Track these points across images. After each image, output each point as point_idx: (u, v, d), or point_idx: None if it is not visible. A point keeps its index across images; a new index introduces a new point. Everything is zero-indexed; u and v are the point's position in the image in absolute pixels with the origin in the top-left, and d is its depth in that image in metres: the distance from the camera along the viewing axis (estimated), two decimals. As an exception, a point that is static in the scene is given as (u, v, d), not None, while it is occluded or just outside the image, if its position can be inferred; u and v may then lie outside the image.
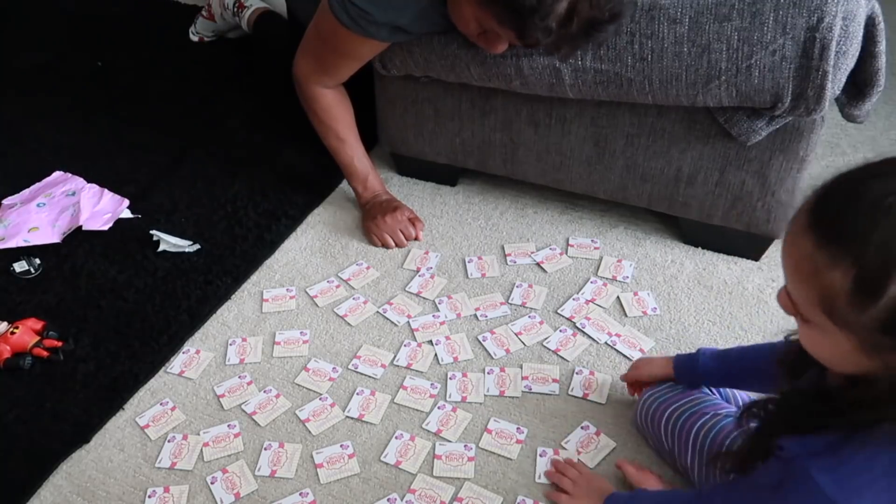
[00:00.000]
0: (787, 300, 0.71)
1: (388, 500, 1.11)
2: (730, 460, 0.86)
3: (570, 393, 1.24)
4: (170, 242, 1.50)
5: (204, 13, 2.16)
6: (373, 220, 1.54)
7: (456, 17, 1.26)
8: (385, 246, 1.53)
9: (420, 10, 1.27)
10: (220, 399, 1.26)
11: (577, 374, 1.27)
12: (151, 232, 1.50)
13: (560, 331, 1.35)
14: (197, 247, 1.50)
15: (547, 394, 1.24)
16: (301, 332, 1.37)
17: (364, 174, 1.56)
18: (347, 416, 1.22)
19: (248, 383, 1.28)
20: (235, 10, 2.05)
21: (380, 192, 1.58)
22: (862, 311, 0.63)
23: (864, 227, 0.62)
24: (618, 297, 1.41)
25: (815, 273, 0.65)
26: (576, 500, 1.06)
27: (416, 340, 1.34)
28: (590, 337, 1.34)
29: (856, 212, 0.63)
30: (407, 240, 1.53)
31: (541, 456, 1.15)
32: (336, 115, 1.51)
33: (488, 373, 1.28)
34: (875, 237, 0.61)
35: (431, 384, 1.27)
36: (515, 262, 1.50)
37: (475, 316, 1.39)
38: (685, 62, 1.22)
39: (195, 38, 2.21)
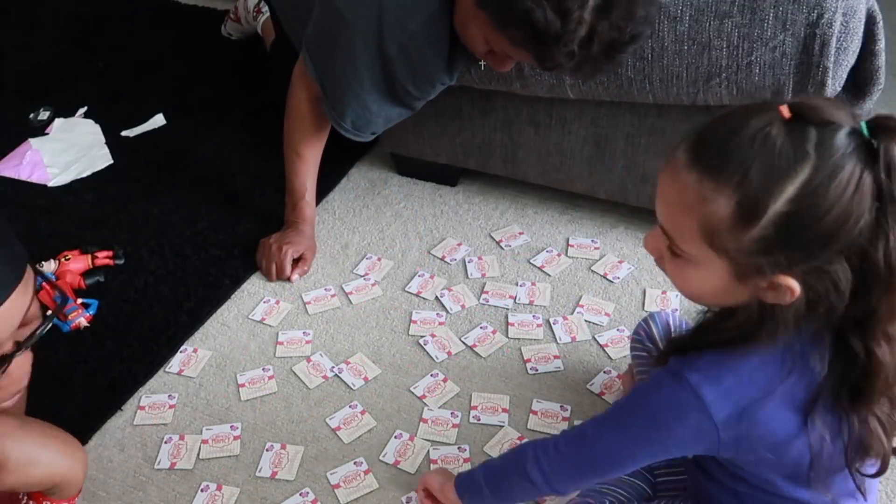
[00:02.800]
0: (658, 241, 0.79)
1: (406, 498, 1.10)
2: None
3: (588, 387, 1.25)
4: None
5: (232, 15, 2.17)
6: (267, 238, 1.50)
7: (464, 35, 1.23)
8: (258, 267, 1.50)
9: (427, 18, 1.24)
10: (224, 398, 1.26)
11: (604, 372, 1.27)
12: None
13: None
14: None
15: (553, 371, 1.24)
16: (304, 332, 1.37)
17: (300, 196, 1.50)
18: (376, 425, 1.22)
19: (252, 382, 1.28)
20: (254, 14, 2.06)
21: (300, 221, 1.51)
22: (742, 234, 0.70)
23: (745, 156, 0.69)
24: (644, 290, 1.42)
25: (700, 203, 0.71)
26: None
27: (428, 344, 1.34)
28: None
29: (737, 144, 0.70)
30: (278, 277, 1.46)
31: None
32: (306, 129, 1.45)
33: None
34: (755, 165, 0.68)
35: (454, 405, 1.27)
36: (510, 246, 1.52)
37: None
38: (685, 60, 1.22)
39: (228, 36, 2.23)
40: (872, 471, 0.81)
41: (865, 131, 0.68)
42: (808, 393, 0.77)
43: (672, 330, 1.13)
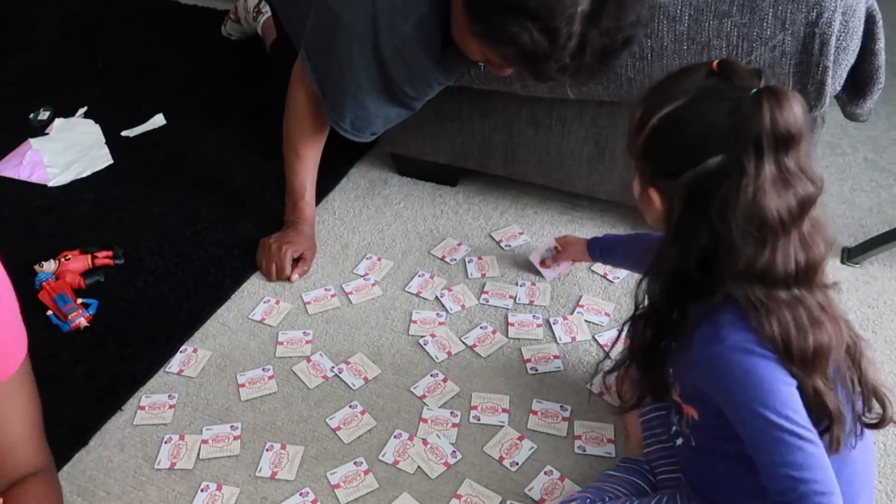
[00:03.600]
0: (637, 186, 0.92)
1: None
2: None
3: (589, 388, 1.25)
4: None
5: (232, 16, 2.17)
6: (268, 238, 1.50)
7: (461, 44, 1.23)
8: (258, 266, 1.50)
9: (419, 20, 1.24)
10: (224, 398, 1.26)
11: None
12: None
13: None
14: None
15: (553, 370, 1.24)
16: (304, 333, 1.37)
17: (299, 195, 1.50)
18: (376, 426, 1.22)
19: (252, 382, 1.28)
20: (254, 14, 2.06)
21: (300, 221, 1.51)
22: (636, 139, 0.87)
23: (662, 82, 0.88)
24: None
25: (630, 115, 0.89)
26: (564, 254, 1.39)
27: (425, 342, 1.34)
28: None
29: (667, 75, 0.89)
30: (278, 277, 1.47)
31: (545, 473, 1.15)
32: (305, 129, 1.45)
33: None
34: (660, 89, 0.87)
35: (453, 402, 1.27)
36: (510, 246, 1.53)
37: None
38: (685, 60, 1.22)
39: (228, 36, 2.23)
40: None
41: (752, 92, 0.79)
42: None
43: None
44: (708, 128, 0.80)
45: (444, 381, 1.27)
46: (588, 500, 1.00)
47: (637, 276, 0.96)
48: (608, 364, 1.09)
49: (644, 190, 0.89)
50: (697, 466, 0.98)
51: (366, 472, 1.14)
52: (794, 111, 0.77)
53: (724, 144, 0.79)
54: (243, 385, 1.28)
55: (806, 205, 0.80)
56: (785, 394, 0.81)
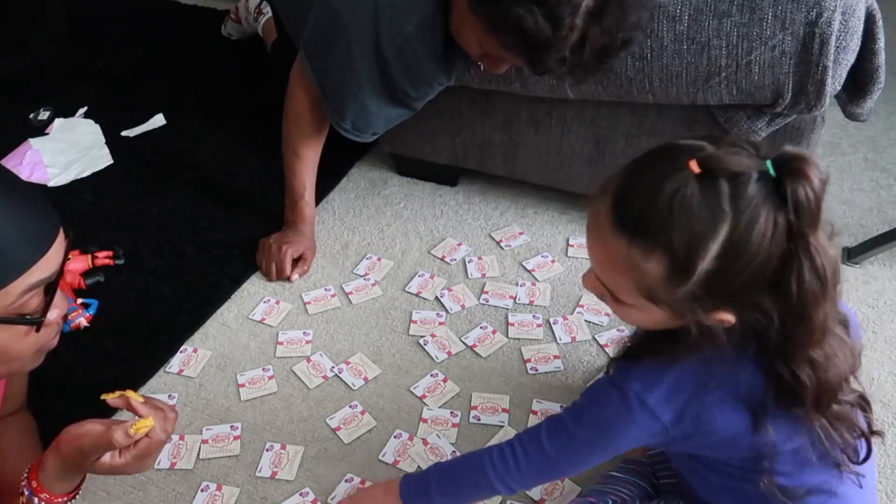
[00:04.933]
0: (597, 283, 0.84)
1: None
2: None
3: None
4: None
5: (232, 16, 2.17)
6: (268, 238, 1.50)
7: (459, 37, 1.23)
8: (258, 266, 1.50)
9: (422, 19, 1.24)
10: (224, 398, 1.26)
11: (604, 373, 1.27)
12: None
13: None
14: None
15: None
16: (304, 333, 1.37)
17: (299, 195, 1.50)
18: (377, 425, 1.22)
19: (252, 382, 1.28)
20: (255, 14, 2.06)
21: (299, 221, 1.51)
22: (677, 289, 0.74)
23: (666, 221, 0.72)
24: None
25: (633, 267, 0.76)
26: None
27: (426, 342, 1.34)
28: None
29: (657, 209, 0.73)
30: (278, 277, 1.47)
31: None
32: (305, 129, 1.45)
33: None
34: (677, 230, 0.72)
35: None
36: (510, 246, 1.53)
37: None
38: (685, 60, 1.22)
39: (228, 36, 2.23)
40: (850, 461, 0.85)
41: (772, 171, 0.71)
42: (749, 395, 0.82)
43: None
44: (771, 235, 0.71)
45: (444, 381, 1.27)
46: None
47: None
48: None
49: (693, 316, 0.77)
50: (696, 478, 0.97)
51: (361, 483, 1.13)
52: (819, 167, 0.71)
53: (784, 237, 0.71)
54: (243, 385, 1.28)
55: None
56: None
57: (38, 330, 0.79)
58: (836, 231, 0.76)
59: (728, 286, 0.73)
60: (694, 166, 0.72)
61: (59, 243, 0.78)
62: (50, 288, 0.78)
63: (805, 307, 0.74)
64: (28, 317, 0.77)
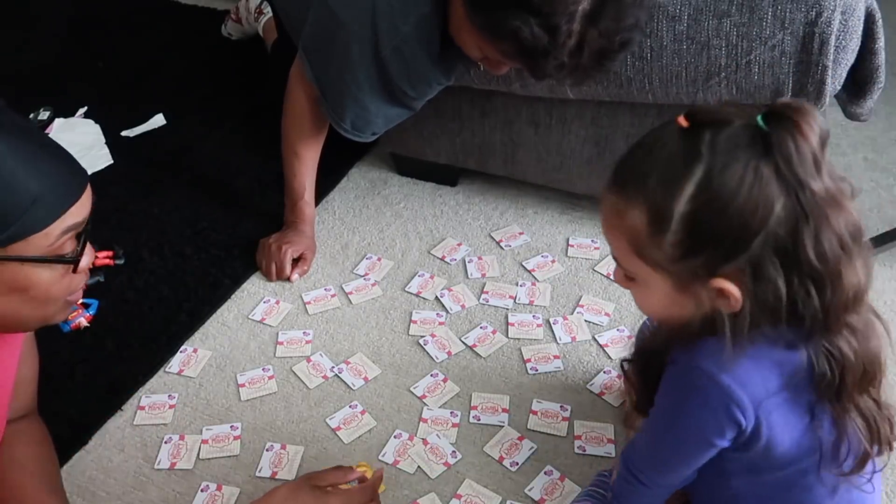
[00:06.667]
0: (618, 269, 0.81)
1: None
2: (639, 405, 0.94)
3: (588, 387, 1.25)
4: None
5: (232, 16, 2.17)
6: (268, 238, 1.50)
7: (458, 40, 1.24)
8: (258, 266, 1.50)
9: (419, 19, 1.24)
10: (224, 398, 1.26)
11: (604, 372, 1.27)
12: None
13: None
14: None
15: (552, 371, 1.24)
16: (304, 333, 1.37)
17: (299, 195, 1.50)
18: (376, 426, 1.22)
19: (252, 382, 1.28)
20: (255, 15, 2.06)
21: (299, 221, 1.51)
22: (661, 241, 0.72)
23: (644, 167, 0.73)
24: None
25: (620, 218, 0.75)
26: None
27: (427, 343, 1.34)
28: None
29: (638, 157, 0.75)
30: (278, 277, 1.46)
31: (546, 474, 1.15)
32: (304, 129, 1.45)
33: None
34: (653, 174, 0.72)
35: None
36: (510, 246, 1.53)
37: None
38: (685, 60, 1.22)
39: (228, 36, 2.23)
40: (848, 468, 0.82)
41: (761, 122, 0.69)
42: (801, 387, 0.78)
43: None
44: (752, 181, 0.68)
45: (444, 381, 1.27)
46: None
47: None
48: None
49: (696, 289, 0.75)
50: (703, 489, 0.96)
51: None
52: (815, 117, 0.70)
53: (776, 188, 0.69)
54: (243, 385, 1.28)
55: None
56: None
57: (74, 270, 0.85)
58: (856, 191, 0.73)
59: (710, 235, 0.70)
60: (682, 120, 0.72)
61: (89, 194, 0.85)
62: (82, 234, 0.85)
63: (827, 265, 0.70)
64: (67, 256, 0.84)
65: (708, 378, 0.77)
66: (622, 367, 0.98)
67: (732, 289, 0.72)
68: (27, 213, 0.77)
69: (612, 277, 1.44)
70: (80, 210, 0.83)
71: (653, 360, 0.88)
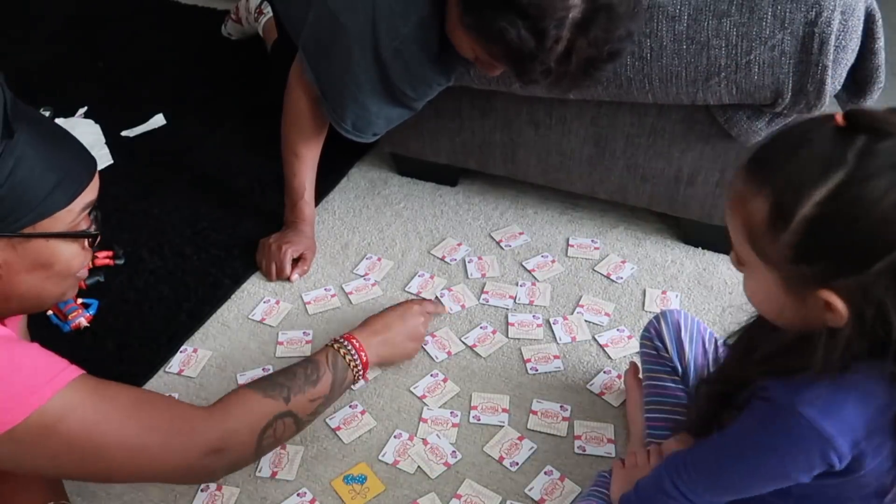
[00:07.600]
0: (733, 251, 0.78)
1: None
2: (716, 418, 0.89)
3: (588, 387, 1.25)
4: None
5: (232, 16, 2.17)
6: (268, 238, 1.50)
7: (453, 41, 1.24)
8: (258, 266, 1.50)
9: (418, 21, 1.24)
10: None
11: (604, 372, 1.27)
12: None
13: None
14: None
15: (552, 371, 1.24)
16: (304, 333, 1.37)
17: (299, 195, 1.50)
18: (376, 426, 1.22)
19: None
20: (256, 15, 2.06)
21: (299, 221, 1.51)
22: (777, 238, 0.69)
23: (783, 160, 0.70)
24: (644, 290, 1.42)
25: (743, 204, 0.72)
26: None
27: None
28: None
29: (780, 148, 0.71)
30: (278, 277, 1.47)
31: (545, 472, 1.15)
32: (304, 130, 1.45)
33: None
34: (790, 168, 0.68)
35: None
36: (510, 246, 1.53)
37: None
38: (684, 60, 1.22)
39: (228, 36, 2.23)
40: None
41: None
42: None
43: (682, 330, 1.12)
44: (881, 201, 0.64)
45: (444, 381, 1.27)
46: None
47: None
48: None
49: (803, 294, 0.71)
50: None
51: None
52: None
53: None
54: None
55: None
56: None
57: (91, 244, 0.92)
58: None
59: (830, 246, 0.66)
60: (839, 118, 0.67)
61: (97, 173, 0.91)
62: (93, 212, 0.91)
63: None
64: (87, 230, 0.91)
65: (809, 426, 0.73)
66: (697, 390, 0.94)
67: (840, 305, 0.68)
68: (54, 191, 0.84)
69: (612, 277, 1.45)
70: (94, 187, 0.90)
71: (739, 389, 0.83)
